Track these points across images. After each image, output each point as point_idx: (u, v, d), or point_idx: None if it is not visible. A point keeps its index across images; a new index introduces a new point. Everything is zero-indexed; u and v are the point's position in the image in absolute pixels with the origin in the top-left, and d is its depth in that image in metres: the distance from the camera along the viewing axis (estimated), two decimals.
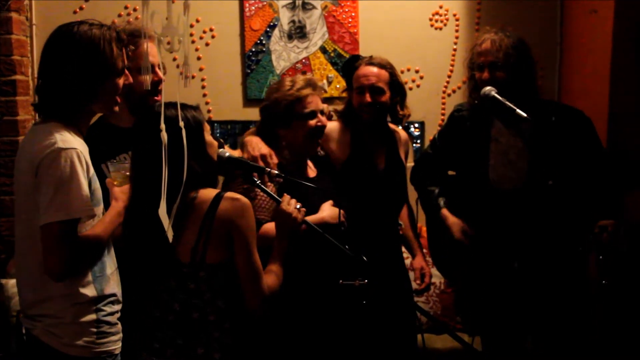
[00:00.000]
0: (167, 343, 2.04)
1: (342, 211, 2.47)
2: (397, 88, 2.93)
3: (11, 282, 3.31)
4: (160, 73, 2.55)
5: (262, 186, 2.31)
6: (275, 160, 2.58)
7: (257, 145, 2.59)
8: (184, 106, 2.05)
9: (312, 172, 2.77)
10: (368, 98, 2.85)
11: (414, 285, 3.08)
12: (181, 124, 1.58)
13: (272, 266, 2.18)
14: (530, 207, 2.85)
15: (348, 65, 3.01)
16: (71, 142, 2.01)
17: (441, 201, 3.06)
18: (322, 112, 2.68)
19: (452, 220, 3.00)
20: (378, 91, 2.86)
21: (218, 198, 2.01)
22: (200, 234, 2.00)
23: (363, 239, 2.63)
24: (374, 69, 2.88)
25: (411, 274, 3.12)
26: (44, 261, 1.99)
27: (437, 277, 3.67)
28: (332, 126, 2.95)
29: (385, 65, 2.90)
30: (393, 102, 2.92)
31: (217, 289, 2.03)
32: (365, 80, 2.87)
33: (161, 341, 2.06)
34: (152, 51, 2.46)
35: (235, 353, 2.05)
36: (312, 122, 2.63)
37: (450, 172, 3.20)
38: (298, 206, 2.29)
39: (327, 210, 2.54)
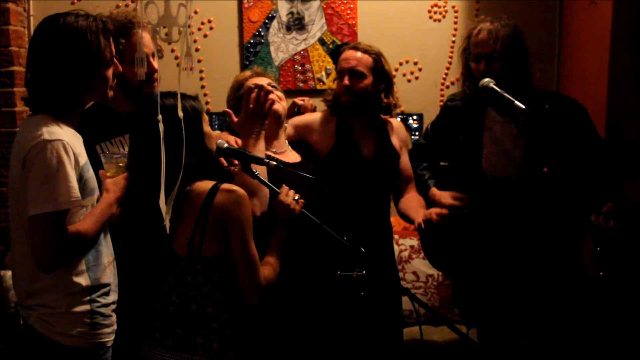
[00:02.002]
0: (167, 333, 2.05)
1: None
2: (382, 75, 2.85)
3: (9, 274, 3.31)
4: (155, 63, 2.54)
5: (261, 177, 2.31)
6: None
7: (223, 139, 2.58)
8: (183, 96, 2.04)
9: (291, 156, 2.73)
10: (346, 81, 2.79)
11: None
12: (180, 114, 1.58)
13: (269, 257, 2.19)
14: (525, 195, 2.84)
15: (335, 52, 2.98)
16: (58, 133, 2.01)
17: (431, 182, 3.03)
18: (272, 88, 2.63)
19: (440, 193, 2.96)
20: (358, 75, 2.80)
21: (214, 190, 2.01)
22: (196, 226, 1.99)
23: (350, 227, 2.60)
24: (357, 53, 2.83)
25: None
26: (33, 253, 2.00)
27: (435, 270, 3.67)
28: (314, 117, 2.93)
29: (369, 51, 2.84)
30: (376, 90, 2.85)
31: (215, 282, 2.04)
32: (346, 64, 2.82)
33: (161, 331, 2.06)
34: (145, 40, 2.46)
35: (234, 343, 2.06)
36: (253, 94, 2.58)
37: (443, 164, 3.19)
38: (296, 197, 2.29)
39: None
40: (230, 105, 2.73)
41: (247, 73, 2.77)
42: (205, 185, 2.02)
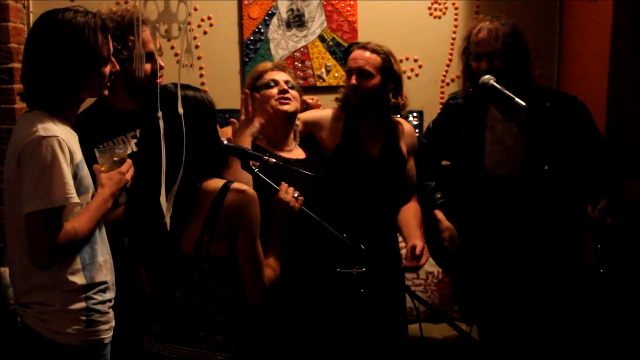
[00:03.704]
0: (170, 326, 2.05)
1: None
2: (391, 75, 2.85)
3: (9, 271, 3.30)
4: (161, 60, 2.54)
5: (260, 174, 2.30)
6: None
7: (224, 133, 2.58)
8: (197, 89, 2.04)
9: (296, 153, 2.75)
10: (354, 80, 2.81)
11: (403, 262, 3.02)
12: (180, 111, 1.57)
13: (270, 256, 2.19)
14: (527, 193, 2.85)
15: (346, 51, 3.00)
16: (53, 130, 2.00)
17: (437, 196, 3.04)
18: (287, 83, 2.68)
19: (444, 225, 2.98)
20: (365, 74, 2.81)
21: (224, 189, 1.99)
22: (205, 226, 1.98)
23: (354, 225, 2.60)
24: (365, 53, 2.84)
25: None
26: (29, 250, 1.99)
27: (435, 267, 3.67)
28: (324, 114, 2.94)
29: (378, 51, 2.85)
30: (384, 90, 2.85)
31: (221, 281, 2.03)
32: (354, 63, 2.84)
33: (163, 324, 2.06)
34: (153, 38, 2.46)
35: (238, 336, 2.05)
36: (270, 90, 2.65)
37: (445, 163, 3.19)
38: (296, 194, 2.28)
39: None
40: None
41: (269, 65, 2.76)
42: (216, 184, 2.01)
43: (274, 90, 2.65)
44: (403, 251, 3.64)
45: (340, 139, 2.86)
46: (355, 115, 2.89)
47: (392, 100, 2.87)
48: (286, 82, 2.69)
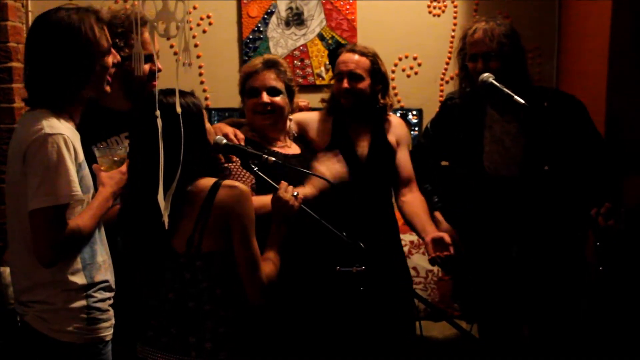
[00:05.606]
0: (161, 331, 2.04)
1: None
2: (379, 77, 2.90)
3: (9, 270, 3.30)
4: (159, 63, 2.54)
5: (260, 173, 2.30)
6: (241, 135, 2.63)
7: (219, 129, 2.62)
8: (182, 93, 2.01)
9: (292, 148, 2.77)
10: (345, 84, 2.84)
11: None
12: (178, 109, 1.57)
13: (269, 254, 2.17)
14: (527, 193, 2.85)
15: (332, 53, 3.03)
16: (58, 127, 2.00)
17: (434, 199, 3.04)
18: (271, 92, 2.66)
19: (444, 227, 2.97)
20: (356, 77, 2.84)
21: (216, 186, 1.99)
22: (197, 223, 1.98)
23: (352, 225, 2.60)
24: (354, 56, 2.88)
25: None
26: (33, 247, 2.00)
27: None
28: (313, 116, 2.97)
29: (366, 53, 2.89)
30: (374, 91, 2.89)
31: (214, 277, 2.02)
32: (344, 67, 2.87)
33: (155, 329, 2.05)
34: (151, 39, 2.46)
35: (228, 342, 2.04)
36: (252, 100, 2.69)
37: (444, 163, 3.18)
38: (295, 193, 2.28)
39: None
40: (240, 90, 2.79)
41: (258, 64, 2.74)
42: (207, 182, 2.01)
43: (253, 101, 2.68)
44: (406, 248, 3.66)
45: (330, 139, 2.89)
46: (345, 116, 2.91)
47: (381, 100, 2.92)
48: (270, 89, 2.67)
